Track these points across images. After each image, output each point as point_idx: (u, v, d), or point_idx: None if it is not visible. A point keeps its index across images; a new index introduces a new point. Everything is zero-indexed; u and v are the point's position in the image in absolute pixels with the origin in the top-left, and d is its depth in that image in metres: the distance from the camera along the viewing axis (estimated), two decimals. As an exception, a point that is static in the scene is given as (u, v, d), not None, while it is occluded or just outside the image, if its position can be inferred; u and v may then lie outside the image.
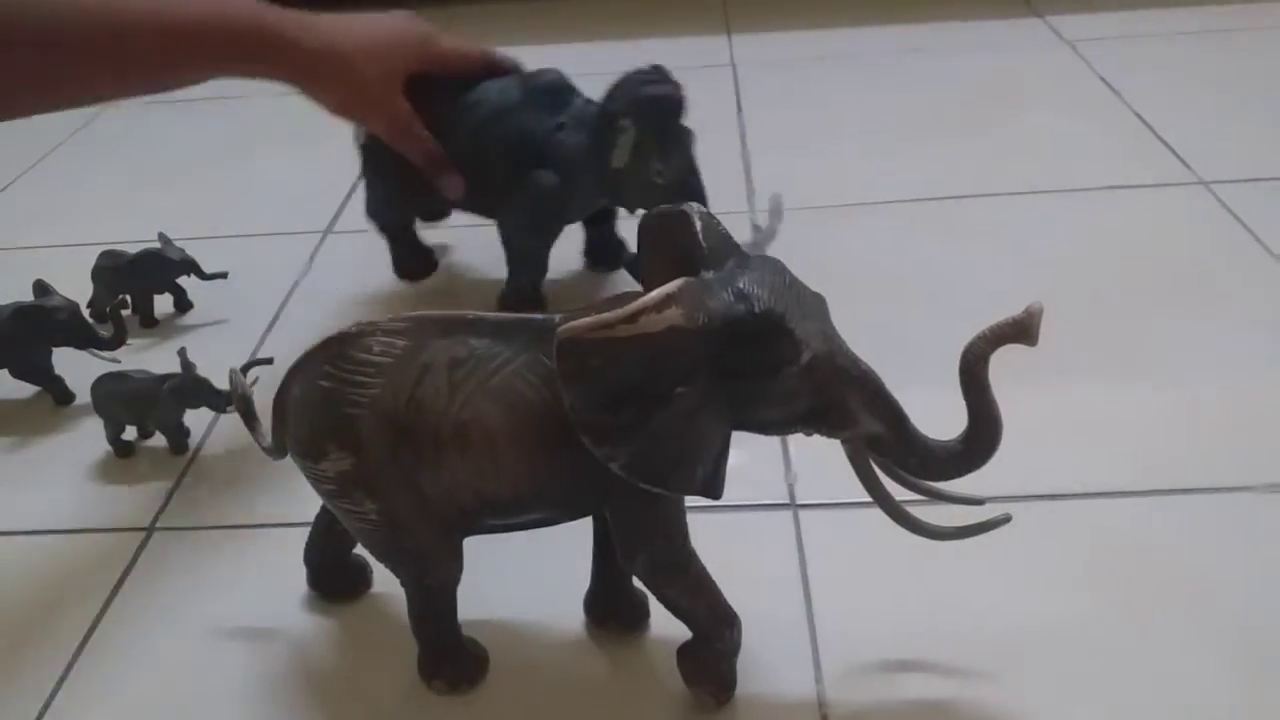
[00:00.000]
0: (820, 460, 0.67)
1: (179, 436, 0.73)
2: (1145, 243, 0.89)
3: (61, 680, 0.57)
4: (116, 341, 0.77)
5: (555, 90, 0.78)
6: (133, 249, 0.87)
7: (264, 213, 1.05)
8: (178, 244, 0.88)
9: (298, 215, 1.04)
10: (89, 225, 1.04)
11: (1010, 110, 1.14)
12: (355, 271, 0.93)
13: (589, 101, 0.78)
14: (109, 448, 0.74)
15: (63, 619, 0.61)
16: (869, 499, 0.51)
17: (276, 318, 0.88)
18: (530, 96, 0.77)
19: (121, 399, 0.72)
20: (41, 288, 0.77)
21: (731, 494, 0.50)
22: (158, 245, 0.88)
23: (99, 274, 0.86)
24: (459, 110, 0.78)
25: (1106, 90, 1.18)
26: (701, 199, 0.75)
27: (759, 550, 0.62)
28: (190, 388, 0.71)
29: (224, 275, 0.87)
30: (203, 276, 0.87)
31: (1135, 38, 1.32)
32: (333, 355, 0.49)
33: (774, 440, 0.70)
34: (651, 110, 0.74)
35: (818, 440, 0.50)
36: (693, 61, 1.35)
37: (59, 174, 1.19)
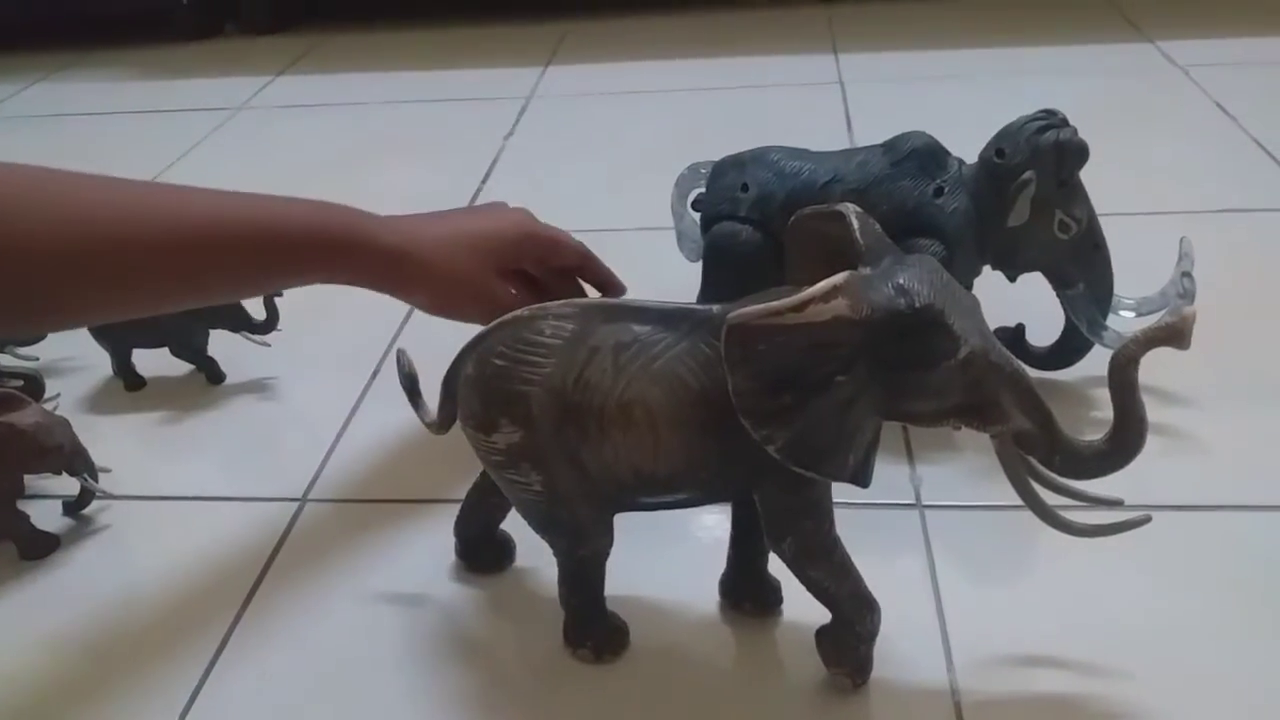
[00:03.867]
0: (943, 464, 0.70)
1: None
2: (1265, 265, 0.89)
3: (224, 642, 0.61)
4: (269, 325, 0.81)
5: (927, 154, 0.71)
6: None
7: (394, 212, 1.10)
8: None
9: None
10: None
11: (1122, 133, 1.14)
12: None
13: (962, 161, 0.72)
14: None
15: (224, 583, 0.65)
16: (994, 503, 0.52)
17: (409, 315, 0.92)
18: (901, 164, 0.71)
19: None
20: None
21: (858, 493, 0.52)
22: None
23: None
24: (808, 193, 0.71)
25: (1221, 114, 1.18)
26: (1107, 253, 0.72)
27: (887, 547, 0.64)
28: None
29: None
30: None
31: (1248, 64, 1.31)
32: (507, 336, 0.53)
33: (898, 443, 0.71)
34: (1057, 159, 0.68)
35: (940, 446, 0.51)
36: (800, 79, 1.39)
37: (199, 169, 1.26)
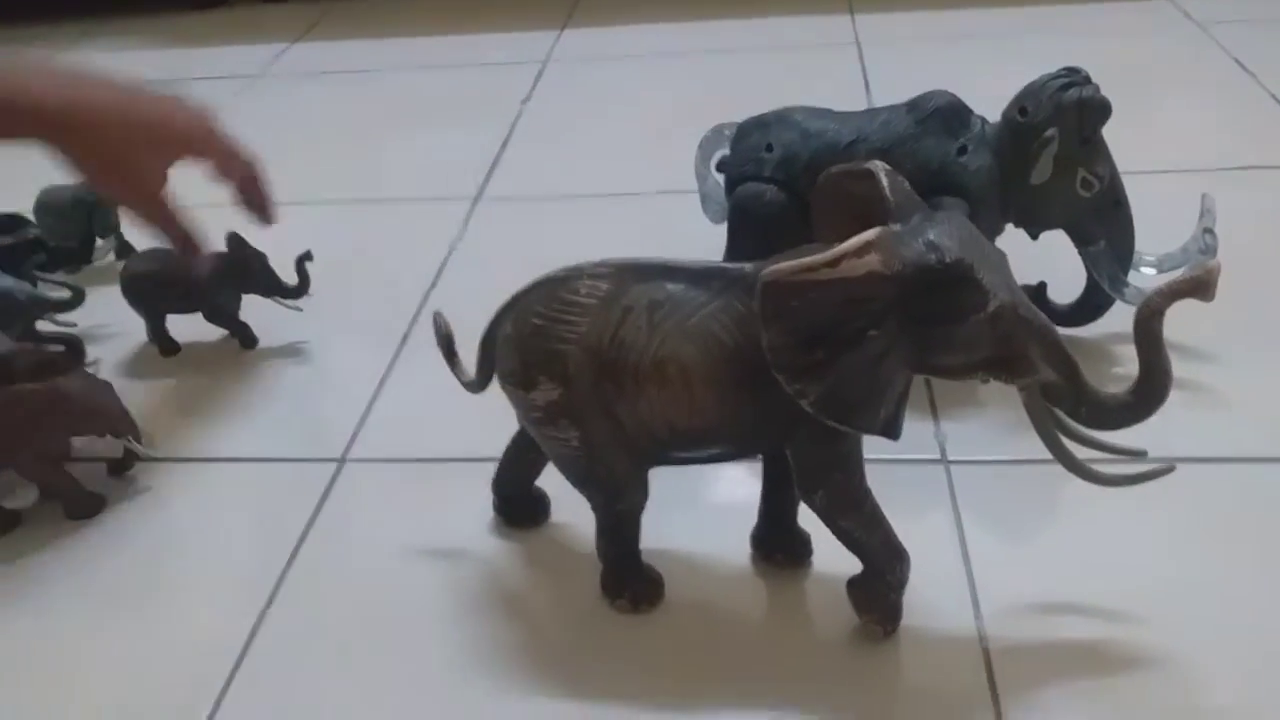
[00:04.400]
0: (967, 420, 0.71)
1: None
2: (1285, 221, 0.90)
3: (270, 599, 0.63)
4: (301, 290, 0.83)
5: (951, 113, 0.71)
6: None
7: (416, 179, 1.12)
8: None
9: (448, 182, 1.10)
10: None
11: (1141, 90, 1.14)
12: (507, 235, 0.99)
13: (985, 120, 0.73)
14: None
15: (268, 540, 0.67)
16: (1017, 457, 0.53)
17: (436, 279, 0.93)
18: (924, 123, 0.71)
19: (159, 279, 0.75)
20: (235, 240, 0.84)
21: (884, 449, 0.53)
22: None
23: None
24: (832, 153, 0.72)
25: (1240, 71, 1.18)
26: (1129, 210, 0.73)
27: (914, 502, 0.65)
28: (241, 269, 0.74)
29: None
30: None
31: (1267, 21, 1.31)
32: (544, 296, 0.54)
33: (923, 400, 0.73)
34: (1080, 116, 0.68)
35: (963, 402, 0.52)
36: (816, 40, 1.38)
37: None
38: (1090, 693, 0.53)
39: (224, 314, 0.85)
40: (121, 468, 0.72)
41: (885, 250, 0.48)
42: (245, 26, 1.66)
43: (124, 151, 0.65)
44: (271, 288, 0.83)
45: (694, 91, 1.25)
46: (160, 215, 0.69)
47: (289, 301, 0.83)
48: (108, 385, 0.70)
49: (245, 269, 0.82)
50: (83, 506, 0.70)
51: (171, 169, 0.67)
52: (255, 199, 0.72)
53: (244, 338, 0.85)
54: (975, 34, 1.35)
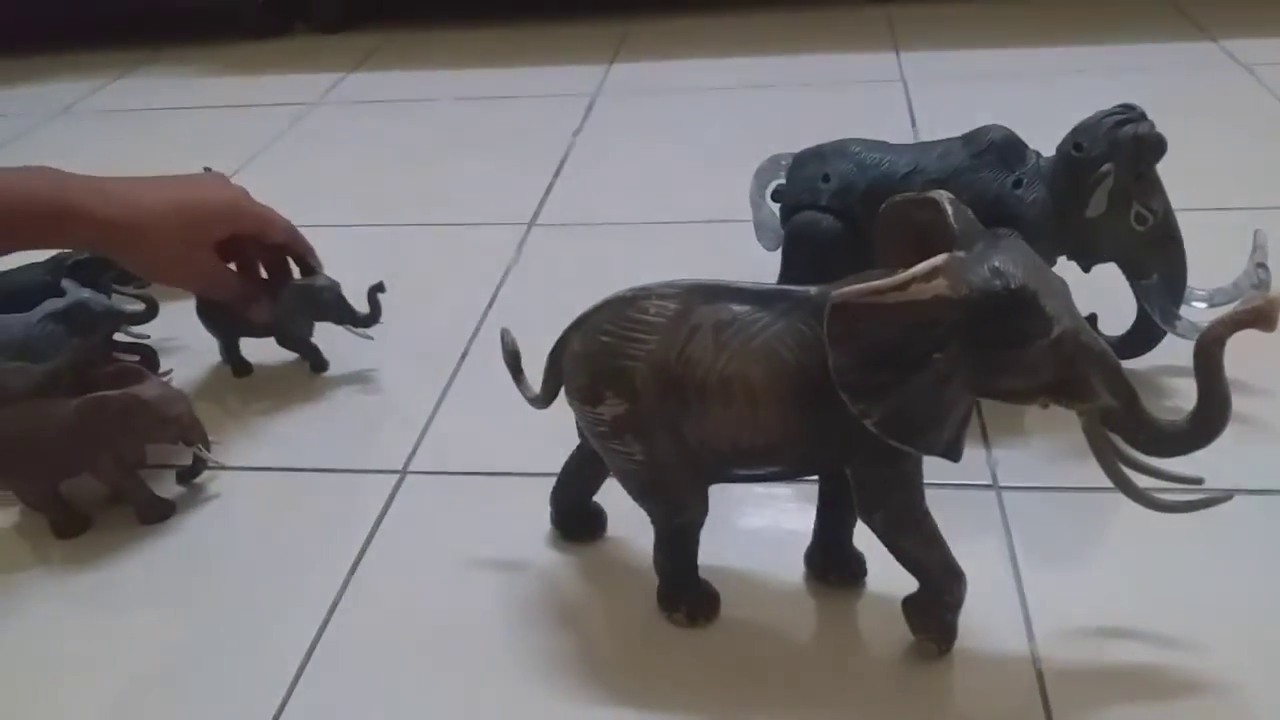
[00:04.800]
0: (1017, 448, 0.72)
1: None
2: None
3: (334, 605, 0.65)
4: (372, 319, 0.85)
5: (1007, 146, 0.73)
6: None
7: (470, 205, 1.14)
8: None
9: (503, 208, 1.13)
10: (311, 208, 1.14)
11: (1187, 130, 1.14)
12: (561, 260, 1.01)
13: (1040, 154, 0.74)
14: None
15: (332, 549, 0.69)
16: (1069, 485, 0.54)
17: (492, 301, 0.95)
18: (980, 156, 0.73)
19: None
20: (307, 270, 0.85)
21: (938, 474, 0.54)
22: None
23: None
24: (889, 183, 0.73)
25: (1287, 113, 1.19)
26: (1182, 244, 0.74)
27: (967, 526, 0.66)
28: (313, 299, 0.77)
29: None
30: None
31: (1315, 64, 1.32)
32: (613, 314, 0.56)
33: (974, 427, 0.74)
34: (1135, 152, 0.70)
35: (1014, 430, 0.53)
36: (861, 77, 1.41)
37: (278, 164, 1.31)
38: (1142, 716, 0.54)
39: (295, 339, 0.86)
40: (190, 475, 0.75)
41: (952, 275, 0.49)
42: (303, 56, 1.71)
43: (179, 251, 0.76)
44: (343, 316, 0.85)
45: (741, 125, 1.28)
46: (220, 292, 0.81)
47: (360, 330, 0.85)
48: (183, 394, 0.72)
49: (317, 299, 0.84)
50: (154, 511, 0.72)
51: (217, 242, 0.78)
52: (297, 252, 0.84)
53: (315, 361, 0.87)
54: (1019, 73, 1.36)
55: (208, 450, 0.73)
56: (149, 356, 0.81)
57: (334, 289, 0.84)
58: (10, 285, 0.86)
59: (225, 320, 0.86)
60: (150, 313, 0.83)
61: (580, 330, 0.58)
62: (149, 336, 0.85)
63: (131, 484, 0.72)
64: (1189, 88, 1.27)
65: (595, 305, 0.57)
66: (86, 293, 0.81)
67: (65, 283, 0.82)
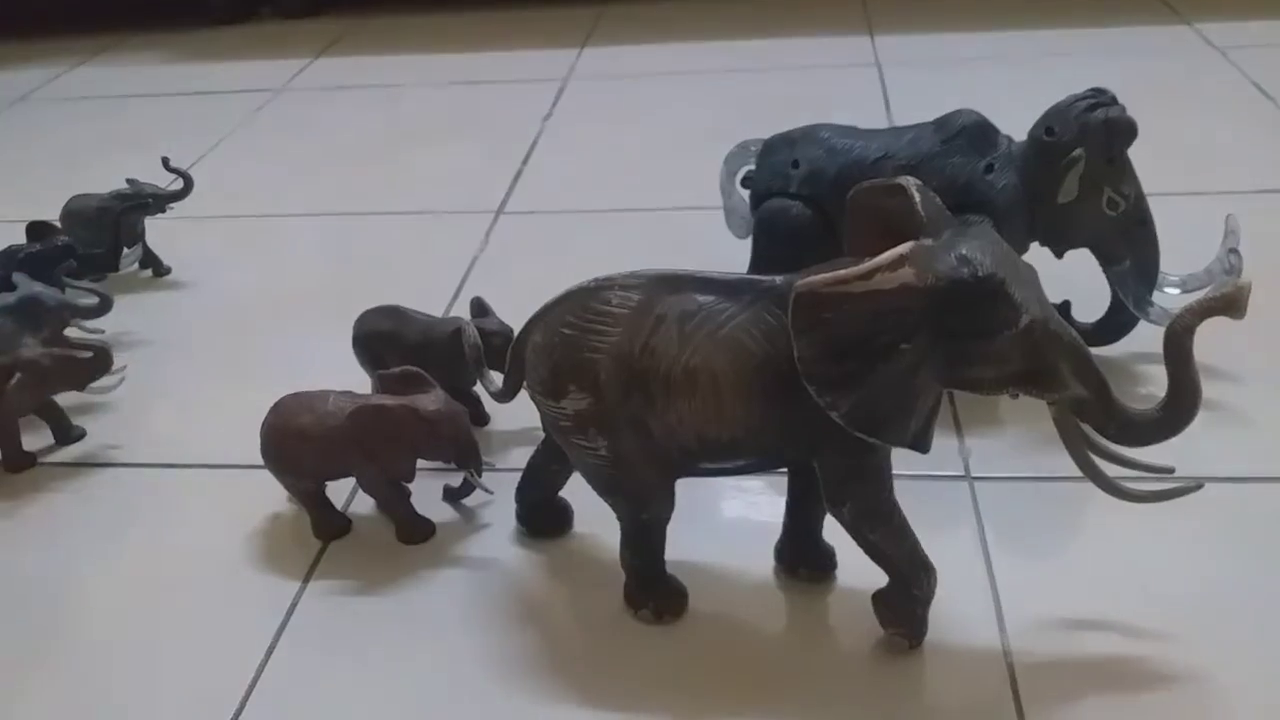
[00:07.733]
0: (990, 438, 0.71)
1: (474, 404, 0.72)
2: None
3: (294, 605, 0.63)
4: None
5: (977, 131, 0.72)
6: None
7: (438, 193, 1.12)
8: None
9: (471, 196, 1.11)
10: (275, 196, 1.12)
11: (1161, 113, 1.14)
12: (529, 249, 0.99)
13: (1011, 139, 0.73)
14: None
15: (291, 549, 0.67)
16: (1040, 474, 0.53)
17: (459, 291, 0.94)
18: (951, 141, 0.72)
19: (389, 339, 0.72)
20: (480, 307, 0.75)
21: (909, 465, 0.53)
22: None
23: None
24: (859, 169, 0.71)
25: (1260, 95, 1.18)
26: (1154, 229, 0.73)
27: (939, 517, 0.65)
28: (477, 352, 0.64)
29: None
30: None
31: (1287, 45, 1.31)
32: (575, 306, 0.55)
33: (946, 417, 0.73)
34: (1106, 136, 0.69)
35: (986, 420, 0.52)
36: (836, 60, 1.39)
37: (242, 150, 1.28)
38: (1113, 707, 0.53)
39: (454, 388, 0.70)
40: (458, 495, 0.69)
41: (919, 264, 0.48)
42: (268, 41, 1.68)
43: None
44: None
45: (713, 110, 1.26)
46: None
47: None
48: (463, 412, 0.66)
49: (486, 342, 0.67)
50: (415, 532, 0.67)
51: None
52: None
53: (475, 412, 0.75)
54: (994, 56, 1.35)
55: (479, 475, 0.66)
56: (102, 353, 0.79)
57: (504, 333, 0.72)
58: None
59: (380, 356, 0.74)
60: (104, 307, 0.81)
61: (542, 323, 0.56)
62: (103, 331, 0.83)
63: (395, 500, 0.67)
64: (1162, 71, 1.27)
65: (557, 297, 0.56)
66: (39, 286, 0.79)
67: (17, 277, 0.79)
